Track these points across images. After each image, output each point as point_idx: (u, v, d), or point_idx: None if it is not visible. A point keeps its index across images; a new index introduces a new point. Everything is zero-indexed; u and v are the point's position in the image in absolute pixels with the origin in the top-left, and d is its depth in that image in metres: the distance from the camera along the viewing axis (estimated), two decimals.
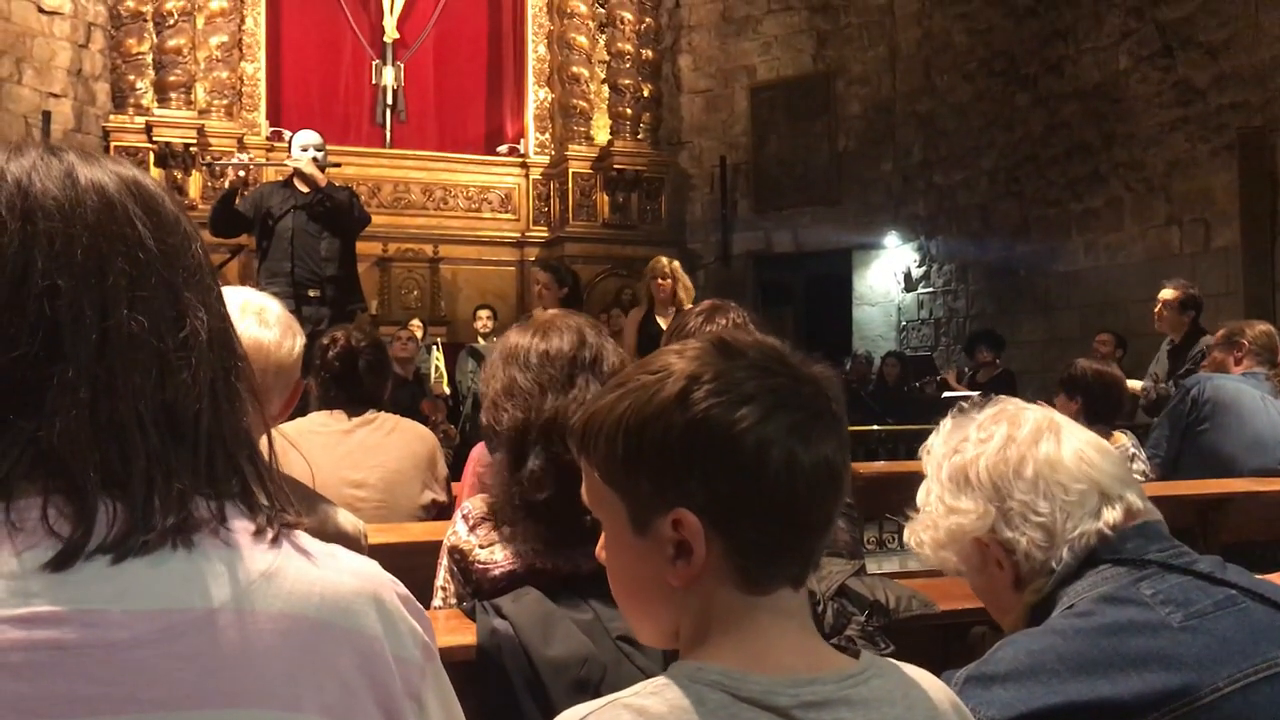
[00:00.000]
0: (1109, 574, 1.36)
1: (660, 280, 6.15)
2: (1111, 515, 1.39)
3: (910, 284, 12.64)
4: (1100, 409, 4.22)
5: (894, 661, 1.04)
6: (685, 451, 0.95)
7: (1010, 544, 1.40)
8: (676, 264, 6.17)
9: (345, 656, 0.78)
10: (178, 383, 0.77)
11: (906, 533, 1.53)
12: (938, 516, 1.46)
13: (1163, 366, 6.29)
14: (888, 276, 12.94)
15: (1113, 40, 9.67)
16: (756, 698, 0.92)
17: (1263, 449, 4.34)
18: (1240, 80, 8.46)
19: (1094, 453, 1.43)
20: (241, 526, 0.78)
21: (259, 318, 1.78)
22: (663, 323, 6.14)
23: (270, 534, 0.79)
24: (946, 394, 8.47)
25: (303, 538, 0.82)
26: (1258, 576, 1.44)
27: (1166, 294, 6.25)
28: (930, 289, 12.36)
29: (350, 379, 3.10)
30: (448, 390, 8.60)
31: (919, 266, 12.49)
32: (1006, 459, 1.41)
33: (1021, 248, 10.80)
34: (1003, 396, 1.55)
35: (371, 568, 0.84)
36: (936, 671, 1.14)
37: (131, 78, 10.39)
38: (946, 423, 1.52)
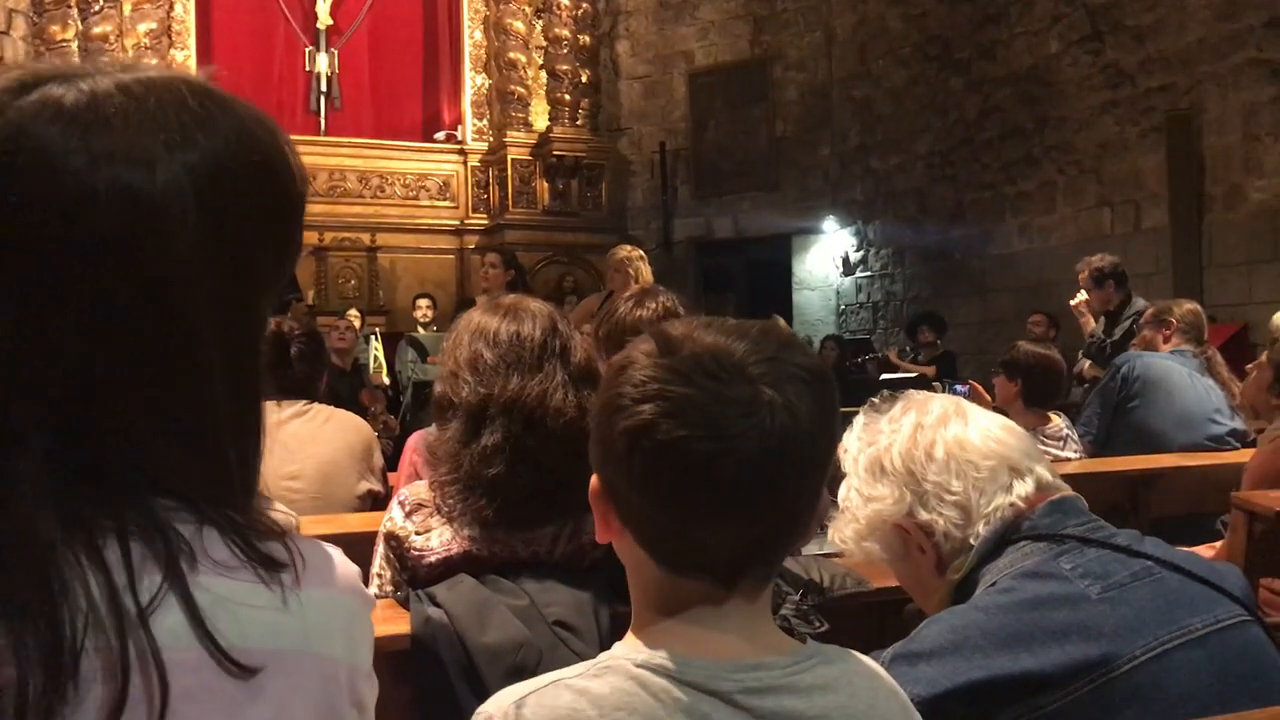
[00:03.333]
0: (1029, 550, 1.39)
1: (613, 273, 6.12)
2: (1023, 489, 1.43)
3: (848, 268, 12.76)
4: (1039, 391, 4.29)
5: (842, 649, 1.04)
6: (593, 429, 1.01)
7: (929, 526, 1.43)
8: (636, 254, 6.11)
9: (298, 685, 0.73)
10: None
11: (830, 532, 1.54)
12: (857, 509, 1.48)
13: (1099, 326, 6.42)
14: (826, 261, 13.05)
15: (1044, 24, 9.81)
16: (700, 682, 0.93)
17: (1191, 425, 4.43)
18: (1167, 63, 8.62)
19: (1000, 431, 1.47)
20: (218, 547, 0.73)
21: None
22: None
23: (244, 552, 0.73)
24: (885, 375, 8.55)
25: (284, 544, 0.75)
26: (1182, 549, 1.47)
27: (1080, 277, 6.40)
28: (868, 273, 12.48)
29: (280, 366, 3.05)
30: (387, 380, 8.51)
31: (857, 251, 12.61)
32: (917, 443, 1.45)
33: (956, 231, 10.94)
34: (910, 390, 1.59)
35: (348, 573, 0.79)
36: (870, 648, 1.15)
37: None
38: (859, 420, 1.55)
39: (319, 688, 0.74)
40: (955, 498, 1.42)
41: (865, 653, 1.08)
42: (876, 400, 1.57)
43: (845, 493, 1.51)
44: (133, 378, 0.71)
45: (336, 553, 0.80)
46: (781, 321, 1.31)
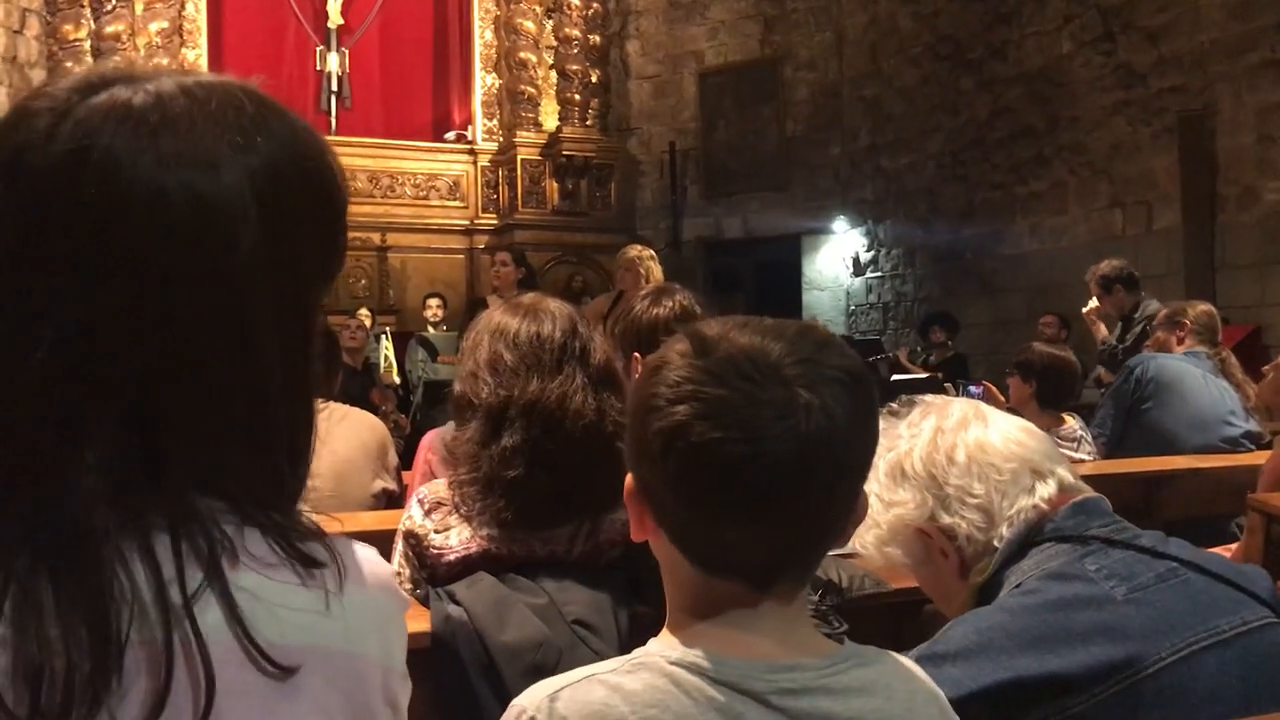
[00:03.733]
0: (1053, 551, 1.38)
1: (623, 272, 6.12)
2: (1045, 490, 1.42)
3: (859, 268, 12.74)
4: (1053, 393, 4.28)
5: (880, 650, 1.03)
6: (628, 429, 1.01)
7: (951, 530, 1.43)
8: (646, 253, 6.11)
9: (334, 684, 0.73)
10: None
11: (851, 538, 1.54)
12: (878, 514, 1.47)
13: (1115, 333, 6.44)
14: (836, 261, 13.03)
15: (1055, 24, 9.79)
16: (734, 682, 0.92)
17: (1205, 427, 4.42)
18: (1179, 64, 8.60)
19: (1021, 433, 1.47)
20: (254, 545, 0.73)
21: None
22: None
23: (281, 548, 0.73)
24: (896, 377, 8.53)
25: (320, 544, 0.75)
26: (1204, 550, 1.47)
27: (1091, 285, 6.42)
28: (878, 273, 12.46)
29: None
30: (398, 380, 8.53)
31: (867, 251, 12.59)
32: (938, 447, 1.44)
33: (967, 231, 10.91)
34: (928, 396, 1.58)
35: (384, 572, 0.80)
36: (889, 649, 1.14)
37: (69, 64, 10.15)
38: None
39: (355, 687, 0.74)
40: (978, 501, 1.41)
41: None
42: (895, 406, 1.56)
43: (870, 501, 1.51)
44: (195, 375, 0.72)
45: (373, 553, 0.80)
46: (820, 322, 1.30)
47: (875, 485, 1.48)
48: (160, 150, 0.71)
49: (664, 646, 0.96)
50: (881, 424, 1.51)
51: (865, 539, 1.50)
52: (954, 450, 1.43)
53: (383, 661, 0.77)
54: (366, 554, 0.79)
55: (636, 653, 0.97)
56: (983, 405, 1.53)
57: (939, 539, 1.44)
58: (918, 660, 1.29)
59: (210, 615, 0.68)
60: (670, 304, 2.51)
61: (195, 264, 0.71)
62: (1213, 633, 1.31)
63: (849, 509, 0.99)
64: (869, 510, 1.47)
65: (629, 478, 1.02)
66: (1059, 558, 1.37)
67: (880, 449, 1.49)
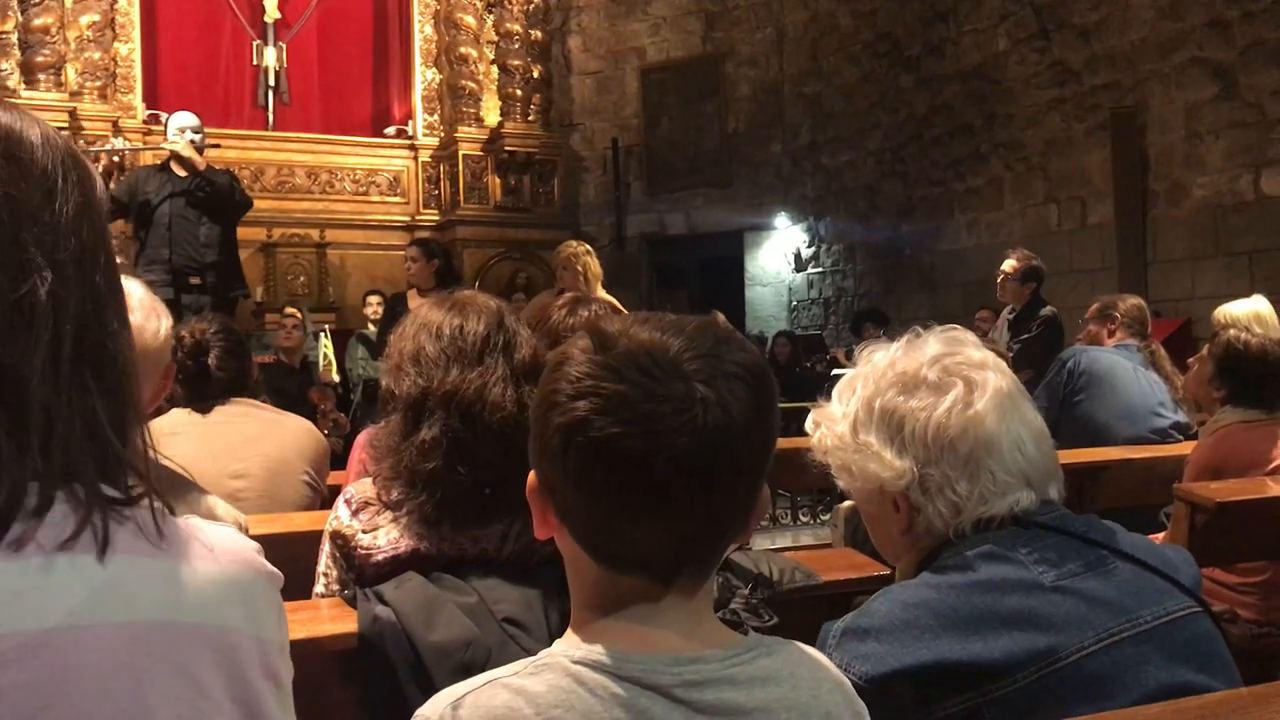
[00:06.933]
0: (993, 536, 1.38)
1: (561, 270, 6.09)
2: (1025, 502, 1.40)
3: (800, 264, 12.82)
4: None
5: (784, 640, 1.04)
6: (531, 426, 1.00)
7: (916, 504, 1.41)
8: (582, 249, 6.10)
9: (198, 654, 0.74)
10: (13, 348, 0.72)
11: (810, 420, 1.50)
12: (858, 447, 1.43)
13: (1002, 335, 6.51)
14: (778, 257, 13.11)
15: (992, 22, 9.92)
16: (637, 677, 0.92)
17: (1136, 418, 4.51)
18: (1111, 61, 8.75)
19: (1032, 444, 1.42)
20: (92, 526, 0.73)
21: None
22: None
23: (128, 529, 0.74)
24: (836, 371, 8.59)
25: (171, 524, 0.77)
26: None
27: (1008, 265, 6.51)
28: (819, 269, 12.55)
29: (202, 376, 2.99)
30: (337, 378, 8.43)
31: (808, 247, 12.68)
32: (947, 426, 1.38)
33: (906, 227, 11.03)
34: (957, 327, 1.51)
35: (239, 547, 0.81)
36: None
37: None
38: (899, 343, 1.47)
39: (227, 659, 0.75)
40: (956, 499, 1.38)
41: (814, 644, 1.08)
42: (920, 329, 1.50)
43: (845, 404, 1.46)
44: (77, 340, 0.74)
45: (230, 530, 0.82)
46: (721, 317, 1.27)
47: (864, 412, 1.43)
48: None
49: (568, 646, 0.96)
50: (903, 343, 1.45)
51: (826, 444, 1.46)
52: (960, 437, 1.37)
53: (255, 634, 0.78)
54: (219, 530, 0.81)
55: (540, 654, 0.96)
56: (1017, 392, 1.44)
57: (898, 499, 1.42)
58: (843, 632, 1.30)
59: (72, 597, 0.69)
60: (586, 314, 2.50)
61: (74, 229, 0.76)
62: (1135, 623, 1.32)
63: (750, 503, 0.99)
64: (844, 432, 1.42)
65: (531, 475, 1.01)
66: (994, 540, 1.37)
67: (891, 377, 1.42)
